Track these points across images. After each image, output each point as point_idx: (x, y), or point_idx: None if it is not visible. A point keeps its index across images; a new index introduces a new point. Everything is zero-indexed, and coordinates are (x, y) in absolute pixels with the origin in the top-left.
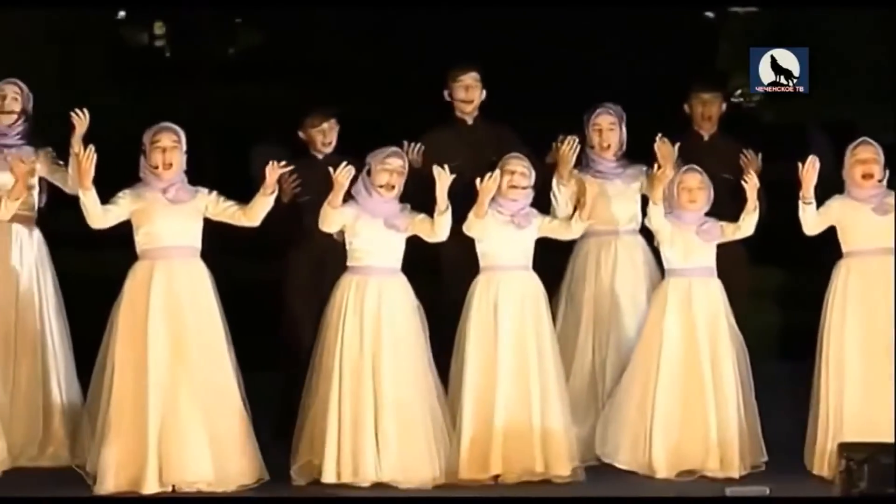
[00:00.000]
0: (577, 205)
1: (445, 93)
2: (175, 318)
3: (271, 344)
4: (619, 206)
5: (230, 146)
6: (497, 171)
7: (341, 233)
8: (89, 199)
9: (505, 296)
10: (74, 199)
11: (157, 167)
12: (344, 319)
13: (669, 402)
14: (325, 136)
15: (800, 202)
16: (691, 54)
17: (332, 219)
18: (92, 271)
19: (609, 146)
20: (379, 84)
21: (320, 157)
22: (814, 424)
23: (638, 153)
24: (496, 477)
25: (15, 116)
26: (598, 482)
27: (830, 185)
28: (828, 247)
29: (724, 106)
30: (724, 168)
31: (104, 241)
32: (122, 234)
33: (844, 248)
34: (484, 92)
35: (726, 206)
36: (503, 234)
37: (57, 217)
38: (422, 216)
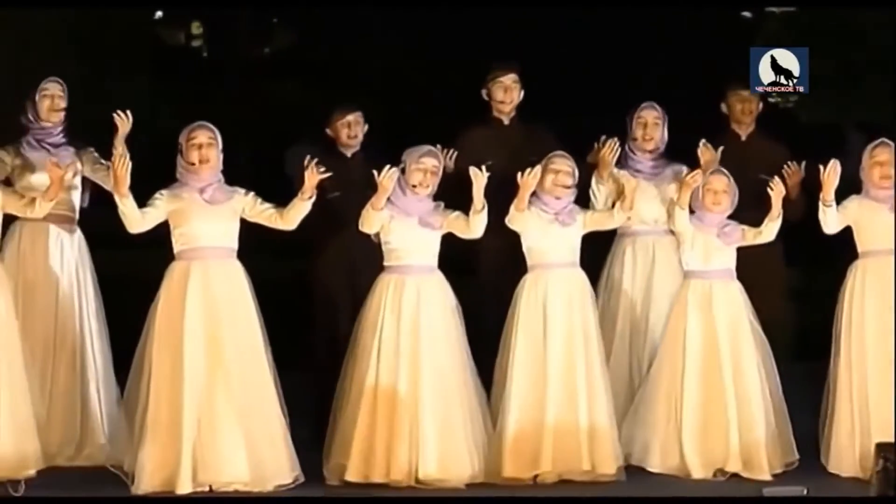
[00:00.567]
0: (618, 198)
1: (483, 92)
2: (212, 319)
3: (303, 342)
4: (657, 205)
5: (266, 146)
6: (538, 167)
7: (376, 234)
8: (127, 206)
9: (553, 294)
10: (110, 198)
11: (194, 163)
12: (382, 319)
13: (696, 403)
14: (350, 129)
15: (820, 204)
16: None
17: (374, 220)
18: (129, 271)
19: (651, 139)
20: (415, 83)
21: (348, 153)
22: (831, 424)
23: (675, 154)
24: (535, 476)
25: (63, 114)
26: (637, 482)
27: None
28: (841, 247)
29: (761, 104)
30: (762, 168)
31: (141, 241)
32: (160, 233)
33: (860, 248)
34: (522, 92)
35: (763, 206)
36: (549, 232)
37: (95, 217)
38: (456, 213)
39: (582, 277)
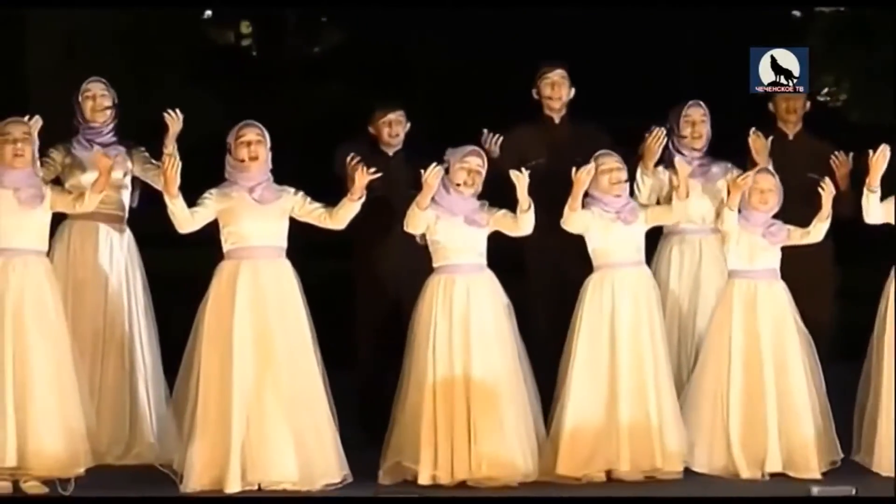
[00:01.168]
0: (673, 188)
1: (534, 92)
2: (261, 318)
3: (347, 342)
4: (704, 204)
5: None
6: (592, 164)
7: (422, 235)
8: (177, 206)
9: (620, 294)
10: (160, 198)
11: (243, 160)
12: (434, 319)
13: (741, 403)
14: (391, 128)
15: (864, 189)
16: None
17: (419, 220)
18: (178, 270)
19: (700, 137)
20: (464, 83)
21: (389, 152)
22: (872, 423)
23: (721, 153)
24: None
25: (108, 113)
26: (686, 481)
27: None
28: (883, 246)
29: (808, 104)
30: (808, 167)
31: (191, 240)
32: (209, 232)
33: None
34: (573, 90)
35: (811, 205)
36: (612, 231)
37: (143, 216)
38: (503, 211)
39: (648, 275)
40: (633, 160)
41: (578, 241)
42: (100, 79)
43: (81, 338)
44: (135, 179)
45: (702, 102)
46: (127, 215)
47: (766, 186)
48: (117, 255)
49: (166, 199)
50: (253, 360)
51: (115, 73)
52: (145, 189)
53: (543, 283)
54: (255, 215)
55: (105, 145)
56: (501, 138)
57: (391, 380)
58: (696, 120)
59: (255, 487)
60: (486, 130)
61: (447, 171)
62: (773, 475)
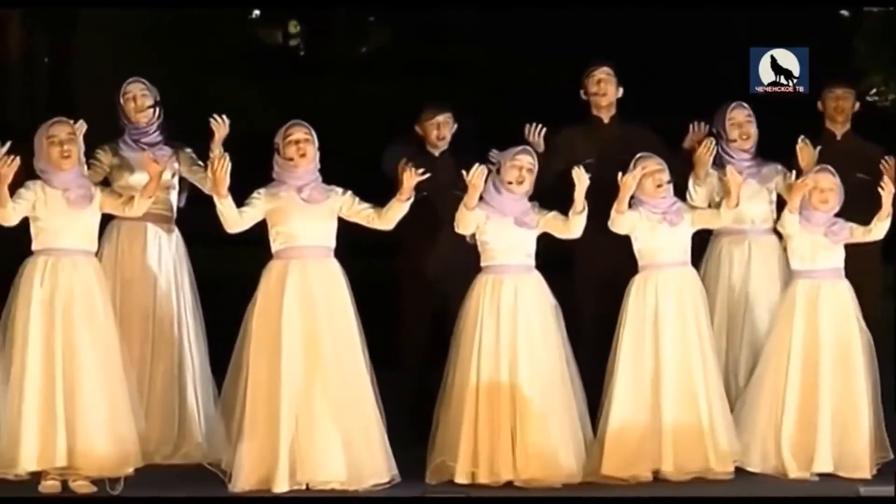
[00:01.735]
0: (724, 193)
1: (581, 92)
2: (309, 318)
3: (393, 342)
4: (754, 205)
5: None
6: (639, 169)
7: (472, 235)
8: (226, 206)
9: (664, 294)
10: (208, 198)
11: (291, 159)
12: (481, 319)
13: (798, 403)
14: (439, 129)
15: None
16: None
17: (468, 221)
18: (227, 270)
19: (749, 137)
20: (510, 83)
21: (436, 153)
22: None
23: (771, 154)
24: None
25: (151, 112)
26: (734, 481)
27: None
28: None
29: (857, 104)
30: (857, 167)
31: (239, 240)
32: (258, 232)
33: None
34: (620, 89)
35: (860, 205)
36: (658, 232)
37: (191, 216)
38: (553, 213)
39: (693, 276)
40: (679, 158)
41: (627, 242)
42: (139, 79)
43: (130, 338)
44: (182, 180)
45: (744, 103)
46: (175, 215)
47: (827, 186)
48: (166, 255)
49: (215, 199)
50: (301, 360)
51: (162, 74)
52: (193, 189)
53: (592, 284)
54: (304, 215)
55: (151, 145)
56: (545, 129)
57: (438, 378)
58: (741, 121)
59: (303, 487)
60: (534, 124)
61: (498, 170)
62: (822, 475)
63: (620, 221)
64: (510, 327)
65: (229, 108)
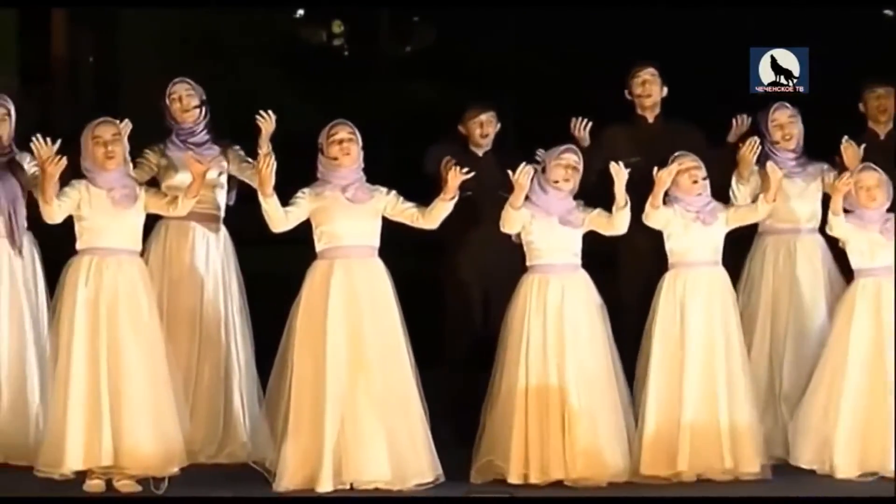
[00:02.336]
0: (763, 189)
1: (626, 92)
2: (354, 318)
3: (437, 341)
4: (800, 204)
5: (406, 144)
6: (675, 164)
7: (517, 235)
8: (271, 206)
9: (692, 293)
10: (254, 196)
11: (336, 158)
12: (528, 318)
13: (855, 404)
14: (482, 128)
15: None
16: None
17: (514, 220)
18: (272, 269)
19: (792, 137)
20: (555, 83)
21: (479, 152)
22: None
23: (815, 154)
24: (677, 473)
25: (197, 112)
26: (775, 480)
27: None
28: None
29: None
30: None
31: (283, 239)
32: (303, 231)
33: None
34: (665, 89)
35: None
36: (690, 230)
37: (239, 214)
38: (597, 211)
39: (722, 276)
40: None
41: None
42: (184, 79)
43: (176, 337)
44: (231, 178)
45: (787, 104)
46: (223, 214)
47: (872, 183)
48: (213, 254)
49: (260, 198)
50: (346, 360)
51: (208, 73)
52: (242, 187)
53: (636, 283)
54: (349, 215)
55: (199, 145)
56: (591, 123)
57: (483, 379)
58: (784, 122)
59: (348, 487)
60: (574, 119)
61: (543, 169)
62: (875, 475)
63: (654, 216)
64: (557, 327)
65: (274, 108)
